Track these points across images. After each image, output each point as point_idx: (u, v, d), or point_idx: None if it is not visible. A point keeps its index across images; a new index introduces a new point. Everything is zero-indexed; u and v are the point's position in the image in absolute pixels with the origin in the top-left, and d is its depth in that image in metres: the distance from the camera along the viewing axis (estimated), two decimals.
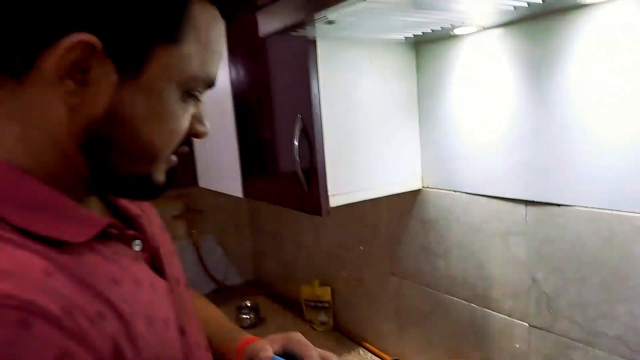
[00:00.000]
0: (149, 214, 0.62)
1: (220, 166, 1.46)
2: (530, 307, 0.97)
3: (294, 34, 0.86)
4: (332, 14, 0.71)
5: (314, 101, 0.98)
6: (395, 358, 1.32)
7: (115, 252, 0.48)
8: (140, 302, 0.47)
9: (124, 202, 0.58)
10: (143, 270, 0.51)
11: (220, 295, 1.97)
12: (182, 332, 0.54)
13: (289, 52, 1.03)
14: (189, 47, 0.45)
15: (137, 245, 0.52)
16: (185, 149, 0.52)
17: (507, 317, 1.02)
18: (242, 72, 1.25)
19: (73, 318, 0.38)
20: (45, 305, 0.36)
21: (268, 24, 0.84)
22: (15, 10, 0.40)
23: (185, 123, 0.49)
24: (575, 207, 0.86)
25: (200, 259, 2.01)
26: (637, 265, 0.79)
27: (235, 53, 1.26)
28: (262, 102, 1.18)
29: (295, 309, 1.76)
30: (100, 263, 0.45)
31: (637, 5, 0.73)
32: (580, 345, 0.89)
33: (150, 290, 0.50)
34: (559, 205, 0.89)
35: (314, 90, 0.98)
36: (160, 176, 0.51)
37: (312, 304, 1.59)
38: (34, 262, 0.38)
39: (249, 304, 1.69)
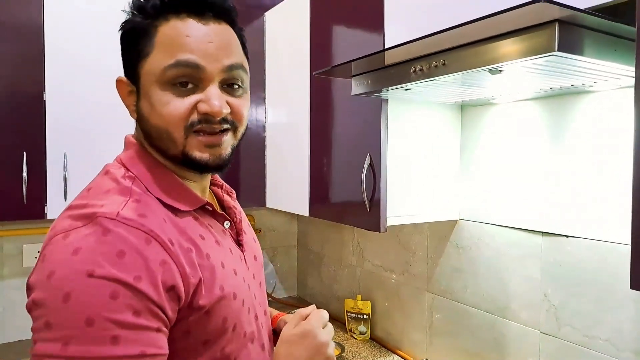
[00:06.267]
0: (241, 213, 0.85)
1: (290, 191, 1.79)
2: (541, 317, 1.23)
3: (376, 95, 1.20)
4: (410, 85, 1.04)
5: (382, 144, 1.31)
6: (425, 359, 1.57)
7: (210, 224, 0.72)
8: (217, 252, 0.69)
9: (227, 200, 0.83)
10: (226, 239, 0.74)
11: (270, 305, 2.24)
12: (249, 288, 0.75)
13: (365, 106, 1.36)
14: (154, 53, 0.64)
15: (226, 224, 0.76)
16: (206, 125, 0.66)
17: (522, 326, 1.29)
18: (320, 118, 1.59)
19: (173, 246, 0.62)
20: (158, 234, 0.61)
21: (359, 87, 1.17)
22: None
23: (175, 109, 0.64)
24: (578, 238, 1.15)
25: None
26: (622, 282, 1.06)
27: (316, 104, 1.61)
28: (335, 143, 1.51)
29: (336, 320, 2.03)
30: (195, 224, 0.69)
31: (615, 96, 1.04)
32: (580, 347, 1.15)
33: (228, 250, 0.73)
34: (567, 236, 1.17)
35: (383, 136, 1.31)
36: (193, 153, 0.66)
37: (354, 315, 1.86)
38: (160, 213, 0.65)
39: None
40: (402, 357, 1.68)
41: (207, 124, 0.66)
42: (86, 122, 1.64)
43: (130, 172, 0.67)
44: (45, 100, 1.57)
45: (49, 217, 1.60)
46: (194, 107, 0.65)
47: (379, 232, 1.33)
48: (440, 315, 1.55)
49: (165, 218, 0.64)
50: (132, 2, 0.67)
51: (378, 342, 1.82)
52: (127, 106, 0.70)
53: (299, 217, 2.45)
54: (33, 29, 1.55)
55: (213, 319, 0.66)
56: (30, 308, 0.57)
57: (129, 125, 1.76)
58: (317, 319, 0.77)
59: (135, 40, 0.66)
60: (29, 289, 0.58)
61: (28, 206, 1.57)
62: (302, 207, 1.71)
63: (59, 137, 1.60)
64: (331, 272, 2.16)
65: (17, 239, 1.84)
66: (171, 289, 0.60)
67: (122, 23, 0.68)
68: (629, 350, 1.05)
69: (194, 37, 0.64)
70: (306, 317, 0.78)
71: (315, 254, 2.30)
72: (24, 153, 1.55)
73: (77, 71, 1.62)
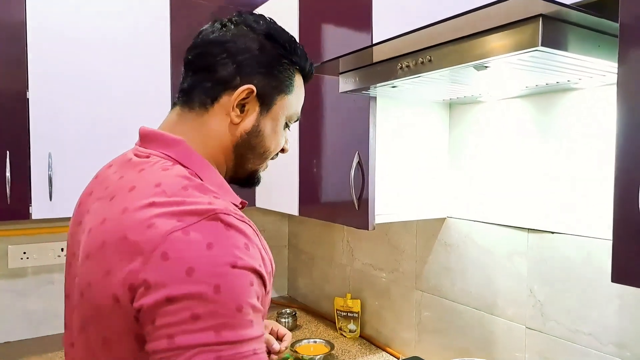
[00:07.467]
0: None
1: (280, 190, 1.78)
2: (527, 312, 1.24)
3: (364, 92, 1.20)
4: (397, 82, 1.04)
5: (371, 142, 1.31)
6: (414, 356, 1.58)
7: None
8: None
9: None
10: None
11: None
12: None
13: (354, 104, 1.36)
14: (292, 97, 0.79)
15: None
16: (275, 157, 0.84)
17: (509, 322, 1.29)
18: (309, 117, 1.59)
19: (262, 238, 0.67)
20: (255, 228, 0.65)
21: (347, 84, 1.17)
22: (216, 73, 0.73)
23: (283, 140, 0.82)
24: (564, 234, 1.16)
25: None
26: (606, 278, 1.07)
27: (305, 103, 1.60)
28: (324, 141, 1.51)
29: (326, 319, 2.03)
30: None
31: (600, 93, 1.06)
32: (564, 341, 1.16)
33: None
34: (552, 232, 1.18)
35: (371, 134, 1.31)
36: (260, 173, 0.83)
37: (344, 314, 1.86)
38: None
39: (288, 311, 1.97)
40: (391, 354, 1.69)
41: (276, 155, 0.83)
42: (71, 122, 1.62)
43: (189, 168, 0.69)
44: (28, 99, 1.55)
45: (34, 217, 1.58)
46: None
47: (367, 230, 1.33)
48: (429, 312, 1.56)
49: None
50: (283, 40, 0.76)
51: (368, 340, 1.82)
52: (232, 109, 0.73)
53: (289, 217, 2.45)
54: (15, 27, 1.53)
55: (267, 301, 0.70)
56: (160, 305, 0.56)
57: (114, 124, 1.71)
58: None
59: (274, 68, 0.75)
60: (149, 287, 0.56)
61: (12, 206, 1.54)
62: (291, 206, 1.71)
63: (43, 136, 1.58)
64: (322, 272, 2.16)
65: (2, 239, 1.81)
66: (269, 276, 0.65)
67: (278, 51, 0.75)
68: (612, 344, 1.06)
69: (303, 99, 0.84)
70: None
71: (306, 254, 2.30)
72: (7, 152, 1.52)
73: (61, 70, 1.60)
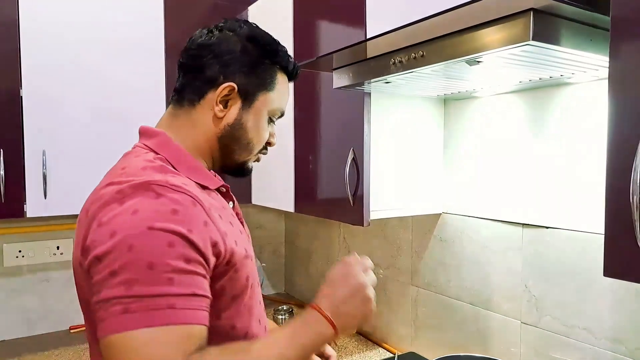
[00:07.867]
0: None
1: (275, 187, 1.78)
2: (522, 307, 1.25)
3: (358, 88, 1.20)
4: (391, 77, 1.04)
5: (366, 138, 1.31)
6: (410, 351, 1.58)
7: (223, 205, 0.83)
8: (232, 231, 0.77)
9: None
10: (235, 220, 0.84)
11: None
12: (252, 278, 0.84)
13: (348, 101, 1.36)
14: (274, 94, 0.86)
15: (231, 204, 0.88)
16: (265, 152, 0.91)
17: (504, 317, 1.30)
18: (304, 114, 1.59)
19: (210, 211, 0.72)
20: (201, 200, 0.71)
21: (341, 80, 1.17)
22: (203, 74, 0.82)
23: (267, 134, 0.89)
24: (558, 229, 1.16)
25: None
26: (600, 272, 1.06)
27: (300, 100, 1.60)
28: (319, 138, 1.51)
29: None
30: (218, 200, 0.81)
31: (593, 88, 1.05)
32: (559, 336, 1.16)
33: (238, 232, 0.81)
34: (547, 227, 1.18)
35: (366, 130, 1.30)
36: (250, 164, 0.90)
37: None
38: (193, 185, 0.75)
39: (285, 308, 1.97)
40: (387, 350, 1.69)
41: (265, 150, 0.91)
42: (65, 119, 1.61)
43: (160, 155, 0.77)
44: (22, 97, 1.54)
45: (28, 215, 1.58)
46: None
47: (362, 226, 1.33)
48: (425, 308, 1.56)
49: (199, 190, 0.75)
50: (264, 42, 0.84)
51: (364, 335, 1.82)
52: (216, 104, 0.81)
53: (286, 214, 2.44)
54: (7, 24, 1.52)
55: (241, 276, 0.76)
56: (91, 264, 0.65)
57: (109, 122, 1.71)
58: (357, 263, 0.87)
59: (256, 67, 0.83)
60: (87, 250, 0.66)
61: (6, 205, 1.54)
62: (287, 203, 1.70)
63: (37, 134, 1.57)
64: (319, 268, 2.16)
65: None
66: (214, 245, 0.69)
67: (257, 50, 0.83)
68: (606, 338, 1.06)
69: (288, 96, 0.91)
70: None
71: (303, 251, 2.30)
72: (1, 150, 1.52)
73: (54, 67, 1.59)
